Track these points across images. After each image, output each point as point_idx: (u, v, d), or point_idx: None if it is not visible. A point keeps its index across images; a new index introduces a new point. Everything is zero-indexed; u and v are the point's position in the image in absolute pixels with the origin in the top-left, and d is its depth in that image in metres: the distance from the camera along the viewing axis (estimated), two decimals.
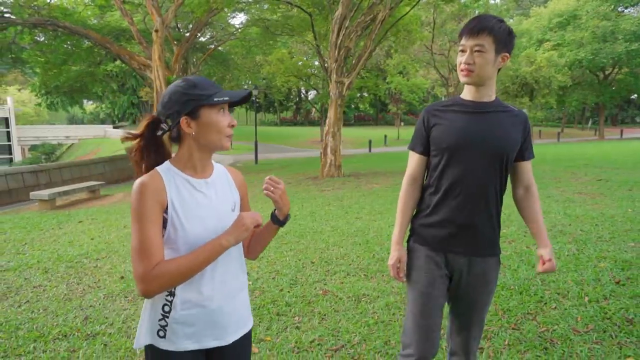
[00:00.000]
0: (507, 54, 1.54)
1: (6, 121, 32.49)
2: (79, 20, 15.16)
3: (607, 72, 32.28)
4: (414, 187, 1.73)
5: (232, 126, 1.31)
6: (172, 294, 1.29)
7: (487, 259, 1.64)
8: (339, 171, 11.92)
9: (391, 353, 2.54)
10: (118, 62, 19.86)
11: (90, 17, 17.00)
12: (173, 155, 1.36)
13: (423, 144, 1.68)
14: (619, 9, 31.08)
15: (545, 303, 3.03)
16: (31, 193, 10.31)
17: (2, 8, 13.69)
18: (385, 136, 31.02)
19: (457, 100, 1.64)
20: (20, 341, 2.86)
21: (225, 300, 1.35)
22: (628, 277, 3.34)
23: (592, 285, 3.24)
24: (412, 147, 1.73)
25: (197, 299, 1.30)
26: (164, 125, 1.30)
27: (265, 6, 14.97)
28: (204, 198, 1.32)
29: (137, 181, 1.24)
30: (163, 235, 1.25)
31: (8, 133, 32.69)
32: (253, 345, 2.73)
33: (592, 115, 49.95)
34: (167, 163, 1.32)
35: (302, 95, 52.70)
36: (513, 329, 2.71)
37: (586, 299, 3.02)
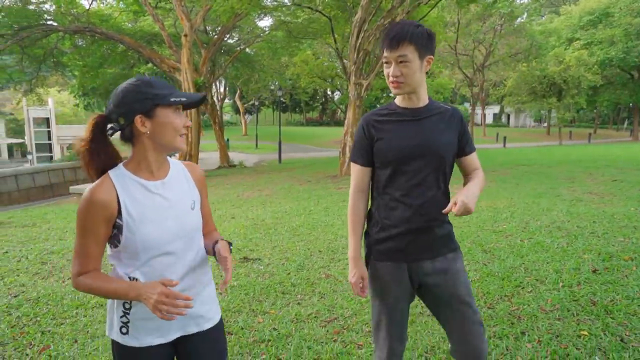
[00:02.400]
0: (431, 56, 1.58)
1: (47, 121, 34.31)
2: (114, 25, 16.13)
3: None
4: (362, 198, 1.73)
5: (187, 127, 1.31)
6: None
7: (447, 255, 1.66)
8: None
9: None
10: (150, 65, 20.83)
11: (125, 22, 17.99)
12: (123, 155, 1.34)
13: (366, 156, 1.68)
14: None
15: (523, 287, 3.33)
16: (70, 187, 11.13)
17: (46, 16, 14.75)
18: None
19: (393, 108, 1.66)
20: (65, 308, 3.39)
21: (189, 292, 1.34)
22: (606, 267, 3.59)
23: (570, 273, 3.51)
24: (355, 160, 1.71)
25: None
26: (114, 125, 1.28)
27: (292, 8, 15.43)
28: (162, 200, 1.31)
29: (88, 190, 1.25)
30: (119, 241, 1.26)
31: (49, 132, 34.50)
32: (258, 316, 3.17)
33: (629, 115, 48.16)
34: (120, 167, 1.31)
35: (328, 96, 53.11)
36: (488, 307, 3.03)
37: (561, 284, 3.30)
